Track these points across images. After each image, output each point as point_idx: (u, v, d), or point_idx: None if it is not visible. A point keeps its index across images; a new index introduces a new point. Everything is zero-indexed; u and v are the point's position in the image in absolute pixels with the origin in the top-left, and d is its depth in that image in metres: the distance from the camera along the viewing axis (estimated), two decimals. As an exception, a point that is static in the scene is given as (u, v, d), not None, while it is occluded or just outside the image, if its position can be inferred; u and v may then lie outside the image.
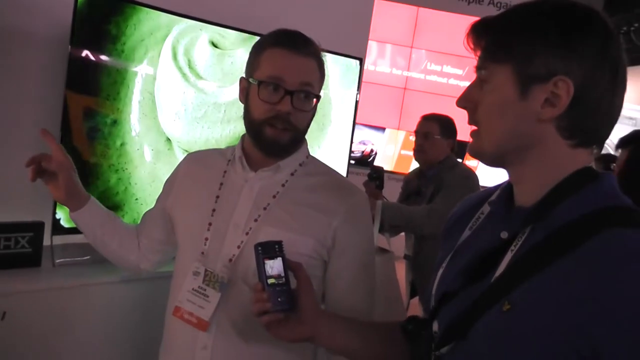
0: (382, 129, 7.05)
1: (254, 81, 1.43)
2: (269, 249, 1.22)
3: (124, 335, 2.09)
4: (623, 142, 2.48)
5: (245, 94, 1.47)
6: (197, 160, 1.62)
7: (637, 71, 9.34)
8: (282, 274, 1.20)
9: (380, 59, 6.99)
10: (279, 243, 1.23)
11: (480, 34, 0.99)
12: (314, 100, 1.45)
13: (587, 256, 0.85)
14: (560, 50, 0.91)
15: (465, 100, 1.01)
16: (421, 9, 6.89)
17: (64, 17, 2.09)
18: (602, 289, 0.82)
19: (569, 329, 0.83)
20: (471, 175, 3.20)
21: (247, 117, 1.47)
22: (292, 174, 1.49)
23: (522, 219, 0.97)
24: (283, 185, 1.48)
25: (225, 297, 1.41)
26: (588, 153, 0.98)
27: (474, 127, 1.01)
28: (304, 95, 1.42)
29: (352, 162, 6.50)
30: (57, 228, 2.12)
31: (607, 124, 0.97)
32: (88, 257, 2.24)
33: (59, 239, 2.16)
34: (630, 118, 6.74)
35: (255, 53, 1.46)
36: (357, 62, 2.96)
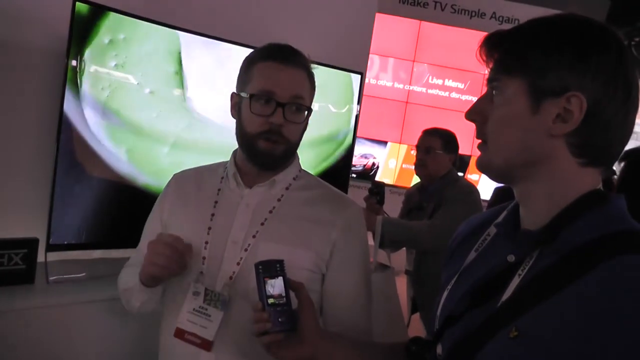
0: (384, 143, 7.03)
1: (245, 95, 1.43)
2: (269, 268, 1.20)
3: (120, 353, 2.05)
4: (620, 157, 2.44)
5: (237, 109, 1.48)
6: (186, 180, 1.59)
7: None
8: (283, 294, 1.18)
9: (382, 73, 6.98)
10: (280, 262, 1.21)
11: (493, 46, 0.96)
12: (305, 112, 1.46)
13: (599, 283, 0.82)
14: (575, 66, 0.89)
15: (475, 113, 0.98)
16: (423, 22, 6.90)
17: (60, 29, 2.06)
18: (616, 318, 0.79)
19: (579, 359, 0.80)
20: (473, 190, 3.18)
21: (240, 132, 1.47)
22: (287, 188, 1.50)
23: (529, 242, 0.94)
24: (279, 199, 1.47)
25: (227, 315, 1.40)
26: (597, 173, 0.95)
27: (481, 140, 0.98)
28: (295, 108, 1.43)
29: (354, 175, 6.55)
30: (51, 244, 2.08)
31: (618, 142, 0.94)
32: (83, 274, 2.21)
33: (54, 255, 2.13)
34: (634, 132, 6.72)
35: (246, 67, 1.47)
36: (357, 76, 2.94)
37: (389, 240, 3.02)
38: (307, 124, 1.50)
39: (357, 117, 2.98)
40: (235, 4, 2.76)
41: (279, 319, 1.16)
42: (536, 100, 0.91)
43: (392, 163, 7.09)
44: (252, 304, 1.21)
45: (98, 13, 2.09)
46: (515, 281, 0.92)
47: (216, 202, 1.48)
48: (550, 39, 0.91)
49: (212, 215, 1.47)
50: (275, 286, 1.18)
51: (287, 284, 1.19)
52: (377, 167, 7.07)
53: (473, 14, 6.87)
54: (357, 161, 6.82)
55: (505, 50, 0.95)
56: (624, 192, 1.44)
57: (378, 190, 3.12)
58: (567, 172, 0.93)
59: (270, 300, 1.17)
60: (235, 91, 1.49)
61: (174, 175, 1.63)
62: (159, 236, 1.39)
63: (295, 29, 2.80)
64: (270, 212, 1.45)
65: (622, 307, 0.79)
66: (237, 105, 1.48)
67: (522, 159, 0.94)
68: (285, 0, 2.92)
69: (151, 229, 1.57)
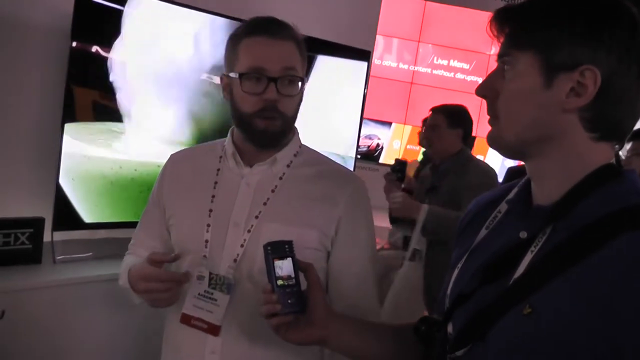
0: (389, 124, 7.00)
1: (235, 75, 1.38)
2: (278, 249, 1.17)
3: (126, 332, 2.06)
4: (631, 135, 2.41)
5: (228, 90, 1.43)
6: (184, 160, 1.55)
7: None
8: (292, 275, 1.16)
9: (387, 54, 6.93)
10: (289, 243, 1.19)
11: (504, 20, 0.94)
12: (299, 84, 1.41)
13: (612, 258, 0.81)
14: (588, 39, 0.87)
15: (486, 89, 0.96)
16: (428, 3, 6.83)
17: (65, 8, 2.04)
18: (628, 293, 0.78)
19: (592, 334, 0.79)
20: (490, 170, 3.10)
21: (236, 113, 1.42)
22: (288, 166, 1.45)
23: (542, 218, 0.92)
24: (281, 178, 1.43)
25: (233, 299, 1.37)
26: (610, 148, 0.93)
27: (492, 116, 0.96)
28: (288, 81, 1.37)
29: (358, 156, 6.47)
30: (58, 224, 2.08)
31: (631, 117, 0.92)
32: (90, 253, 2.22)
33: (60, 235, 2.13)
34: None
35: (232, 46, 1.41)
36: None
37: (432, 230, 2.96)
38: (302, 95, 1.45)
39: (364, 99, 2.96)
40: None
41: (289, 301, 1.13)
42: (549, 74, 0.89)
43: (396, 144, 7.07)
44: (258, 286, 1.19)
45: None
46: (528, 257, 0.90)
47: (216, 182, 1.44)
48: (563, 13, 0.89)
49: (213, 197, 1.42)
50: (284, 267, 1.16)
51: (296, 265, 1.17)
52: (382, 148, 7.05)
53: (479, -7, 6.81)
54: (362, 142, 6.78)
55: (517, 25, 0.92)
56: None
57: (400, 168, 3.11)
58: (580, 146, 0.91)
59: (280, 282, 1.14)
60: (224, 73, 1.44)
61: (171, 156, 1.58)
62: (148, 269, 1.33)
63: (301, 8, 2.77)
64: (273, 191, 1.41)
65: (633, 283, 0.77)
66: (228, 87, 1.43)
67: (534, 134, 0.92)
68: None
69: (149, 216, 1.55)
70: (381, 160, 6.98)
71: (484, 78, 0.97)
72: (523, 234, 0.94)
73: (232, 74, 1.39)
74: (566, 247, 0.86)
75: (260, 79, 1.34)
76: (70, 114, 2.09)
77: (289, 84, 1.37)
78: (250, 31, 1.38)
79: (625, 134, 0.94)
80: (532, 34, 0.90)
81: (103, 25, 2.13)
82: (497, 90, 0.94)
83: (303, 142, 1.51)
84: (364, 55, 2.96)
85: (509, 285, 0.90)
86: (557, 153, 0.92)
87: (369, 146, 6.98)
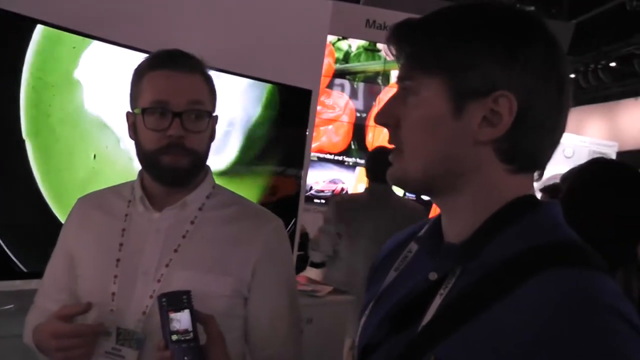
0: (352, 167, 6.95)
1: (138, 111, 1.30)
2: (174, 300, 1.10)
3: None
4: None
5: (133, 129, 1.34)
6: (91, 205, 1.45)
7: (606, 108, 9.50)
8: (190, 329, 1.08)
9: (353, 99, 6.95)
10: (187, 293, 1.11)
11: (403, 38, 0.83)
12: (208, 119, 1.33)
13: (524, 302, 0.71)
14: (501, 61, 0.77)
15: (386, 116, 0.85)
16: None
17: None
18: (543, 342, 0.68)
19: None
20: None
21: (140, 151, 1.33)
22: (200, 209, 1.37)
23: (452, 257, 0.82)
24: (192, 222, 1.35)
25: (143, 355, 1.27)
26: (528, 179, 0.84)
27: (395, 148, 0.86)
28: (195, 115, 1.30)
29: (323, 201, 6.43)
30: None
31: (551, 144, 0.83)
32: (11, 305, 2.07)
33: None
34: (600, 153, 6.75)
35: (135, 81, 1.33)
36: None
37: None
38: (214, 131, 1.38)
39: (305, 138, 2.89)
40: (172, 18, 2.65)
41: (185, 357, 1.05)
42: (458, 101, 0.79)
43: (361, 187, 7.01)
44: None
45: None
46: (437, 301, 0.80)
47: (124, 230, 1.35)
48: (471, 30, 0.79)
49: (120, 245, 1.33)
50: (182, 320, 1.08)
51: (195, 317, 1.09)
52: (346, 193, 6.98)
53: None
54: (326, 186, 6.73)
55: (418, 44, 0.82)
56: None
57: None
58: (495, 180, 0.81)
59: (175, 337, 1.06)
60: (129, 110, 1.36)
61: (78, 199, 1.48)
62: (59, 325, 1.22)
63: (246, 44, 2.71)
64: (184, 236, 1.33)
65: (548, 331, 0.68)
66: (133, 125, 1.34)
67: (443, 168, 0.81)
68: (232, 19, 2.81)
69: (55, 265, 1.43)
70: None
71: (383, 103, 0.86)
72: (433, 276, 0.83)
73: (135, 111, 1.30)
74: (473, 292, 0.76)
75: (164, 113, 1.26)
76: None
77: (195, 119, 1.29)
78: (152, 64, 1.31)
79: (545, 163, 0.84)
80: (437, 55, 0.80)
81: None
82: (399, 118, 0.83)
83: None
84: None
85: (416, 334, 0.80)
86: (468, 187, 0.82)
87: (333, 191, 6.92)
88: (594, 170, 1.60)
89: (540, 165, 0.84)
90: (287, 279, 1.41)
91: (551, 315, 0.68)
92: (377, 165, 3.19)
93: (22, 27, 2.00)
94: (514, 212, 0.80)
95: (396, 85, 0.86)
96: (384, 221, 3.18)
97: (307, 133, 2.87)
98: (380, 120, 0.86)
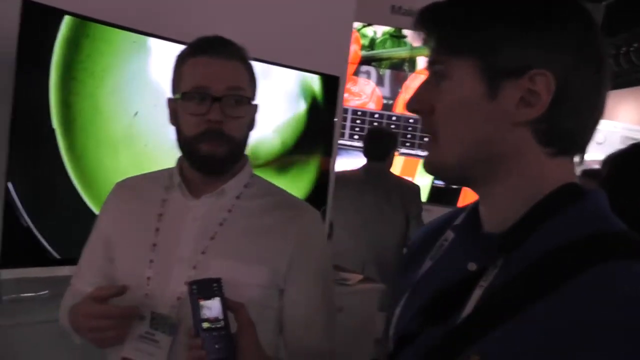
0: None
1: (178, 96, 1.31)
2: (205, 288, 1.11)
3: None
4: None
5: (173, 116, 1.36)
6: (128, 190, 1.46)
7: (638, 91, 9.28)
8: (220, 317, 1.08)
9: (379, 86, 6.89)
10: (217, 281, 1.11)
11: (432, 21, 0.82)
12: (247, 105, 1.33)
13: (579, 298, 0.68)
14: (536, 39, 0.75)
15: (418, 102, 0.83)
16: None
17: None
18: (600, 340, 0.65)
19: None
20: None
21: (180, 138, 1.35)
22: (237, 198, 1.37)
23: (492, 247, 0.79)
24: (229, 210, 1.35)
25: (176, 340, 1.27)
26: (569, 163, 0.82)
27: (429, 136, 0.84)
28: (235, 101, 1.30)
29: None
30: (6, 261, 1.95)
31: (592, 124, 0.80)
32: (46, 291, 2.10)
33: (11, 273, 2.01)
34: (633, 139, 6.61)
35: (176, 68, 1.35)
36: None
37: None
38: (253, 119, 1.38)
39: (333, 125, 2.87)
40: (205, 9, 2.65)
41: (215, 346, 1.05)
42: (493, 82, 0.77)
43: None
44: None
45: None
46: (477, 293, 0.78)
47: (160, 214, 1.36)
48: (503, 8, 0.77)
49: (157, 230, 1.34)
50: (212, 308, 1.09)
51: (226, 305, 1.09)
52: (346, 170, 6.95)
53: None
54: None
55: (449, 25, 0.80)
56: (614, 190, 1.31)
57: None
58: (535, 164, 0.79)
59: (205, 325, 1.07)
60: (170, 97, 1.37)
61: (116, 184, 1.49)
62: (93, 306, 1.23)
63: (270, 31, 2.69)
64: (221, 224, 1.33)
65: (608, 326, 0.65)
66: (173, 111, 1.36)
67: (481, 154, 0.79)
68: (258, 6, 2.80)
69: (91, 248, 1.46)
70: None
71: (415, 90, 0.84)
72: (472, 266, 0.81)
73: (176, 96, 1.32)
74: (518, 284, 0.73)
75: (204, 98, 1.26)
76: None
77: (235, 105, 1.29)
78: (194, 50, 1.32)
79: (586, 145, 0.82)
80: (468, 35, 0.78)
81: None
82: (432, 104, 0.81)
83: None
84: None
85: (455, 327, 0.78)
86: (508, 174, 0.79)
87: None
88: (634, 154, 1.56)
89: (581, 147, 0.82)
90: (323, 270, 1.40)
91: (607, 313, 0.66)
92: (374, 144, 3.37)
93: (50, 19, 2.01)
94: (559, 201, 0.77)
95: (426, 71, 0.84)
96: (377, 198, 3.24)
97: (335, 120, 2.85)
98: (412, 107, 0.84)
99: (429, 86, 0.82)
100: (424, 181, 6.82)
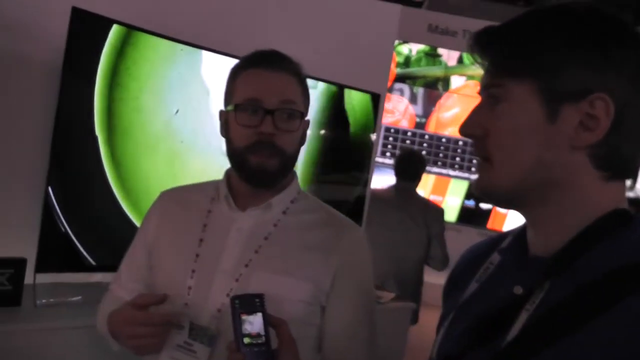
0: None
1: (230, 108, 1.31)
2: (248, 303, 1.10)
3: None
4: None
5: (225, 127, 1.36)
6: (174, 199, 1.46)
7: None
8: (262, 332, 1.08)
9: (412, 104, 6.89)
10: (260, 296, 1.11)
11: (489, 43, 0.81)
12: (300, 120, 1.32)
13: (622, 321, 0.68)
14: (595, 63, 0.75)
15: (473, 127, 0.82)
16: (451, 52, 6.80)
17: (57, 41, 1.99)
18: None
19: None
20: None
21: (229, 150, 1.34)
22: (284, 212, 1.36)
23: (539, 271, 0.78)
24: (275, 225, 1.34)
25: (214, 352, 1.26)
26: (621, 187, 0.80)
27: (482, 159, 0.83)
28: (287, 114, 1.29)
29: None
30: (42, 265, 1.97)
31: None
32: (79, 297, 2.12)
33: (48, 277, 2.03)
34: None
35: (230, 80, 1.35)
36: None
37: None
38: (305, 134, 1.37)
39: (373, 142, 2.87)
40: (252, 24, 2.69)
41: None
42: (552, 106, 0.76)
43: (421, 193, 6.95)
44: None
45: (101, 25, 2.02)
46: (524, 317, 0.77)
47: (205, 225, 1.35)
48: (562, 32, 0.77)
49: (201, 240, 1.33)
50: (254, 323, 1.08)
51: (267, 321, 1.08)
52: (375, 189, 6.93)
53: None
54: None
55: (505, 49, 0.80)
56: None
57: None
58: (588, 188, 0.78)
59: (247, 340, 1.06)
60: (222, 109, 1.38)
61: (161, 193, 1.50)
62: (134, 313, 1.24)
63: (313, 49, 2.71)
64: (266, 238, 1.32)
65: None
66: (225, 123, 1.36)
67: (537, 178, 0.78)
68: (302, 22, 2.83)
69: (133, 256, 1.45)
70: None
71: (469, 114, 0.83)
72: (518, 289, 0.80)
73: (228, 107, 1.32)
74: (565, 308, 0.73)
75: (256, 111, 1.26)
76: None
77: (287, 118, 1.28)
78: (248, 63, 1.32)
79: (638, 169, 0.81)
80: (528, 58, 0.77)
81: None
82: (487, 127, 0.81)
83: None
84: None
85: (500, 350, 0.77)
86: (560, 198, 0.78)
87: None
88: None
89: (634, 171, 0.81)
90: (366, 290, 1.39)
91: None
92: (406, 165, 3.53)
93: (99, 28, 2.05)
94: (608, 227, 0.77)
95: (479, 95, 0.84)
96: (404, 216, 3.41)
97: (373, 137, 2.85)
98: (466, 131, 0.83)
99: (483, 110, 0.82)
100: (455, 201, 6.80)
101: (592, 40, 0.75)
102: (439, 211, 3.67)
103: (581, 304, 0.72)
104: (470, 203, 6.89)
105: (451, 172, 6.84)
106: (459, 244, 4.09)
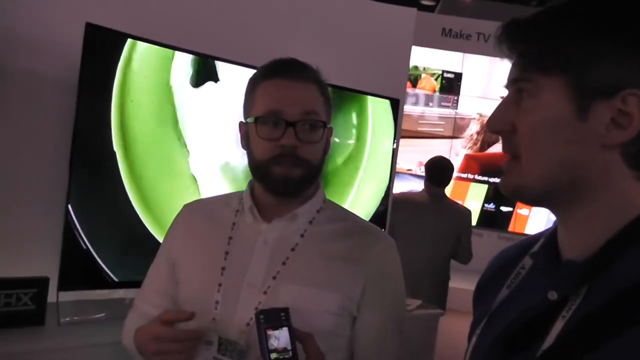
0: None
1: (251, 120, 1.28)
2: (272, 318, 1.08)
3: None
4: None
5: (245, 139, 1.33)
6: (198, 212, 1.43)
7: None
8: (289, 347, 1.05)
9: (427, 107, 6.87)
10: (285, 310, 1.09)
11: (517, 36, 0.78)
12: (323, 130, 1.29)
13: None
14: (628, 57, 0.71)
15: (500, 122, 0.79)
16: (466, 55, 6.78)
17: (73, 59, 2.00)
18: None
19: None
20: None
21: (252, 162, 1.31)
22: (310, 222, 1.32)
23: (574, 275, 0.75)
24: (302, 235, 1.31)
25: None
26: None
27: (510, 156, 0.80)
28: (309, 125, 1.26)
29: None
30: (65, 283, 1.97)
31: None
32: (103, 314, 2.11)
33: (71, 295, 2.04)
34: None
35: (249, 91, 1.31)
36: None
37: None
38: (328, 143, 1.34)
39: (394, 150, 2.86)
40: (269, 33, 2.68)
41: None
42: (583, 102, 0.72)
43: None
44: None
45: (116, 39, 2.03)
46: (559, 325, 0.73)
47: (230, 238, 1.32)
48: (593, 25, 0.73)
49: (226, 253, 1.31)
50: (280, 338, 1.06)
51: (294, 335, 1.06)
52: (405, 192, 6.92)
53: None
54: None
55: (534, 42, 0.76)
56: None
57: None
58: (621, 188, 0.74)
59: (274, 355, 1.04)
60: (242, 120, 1.35)
61: (184, 206, 1.47)
62: (160, 329, 1.22)
63: (330, 56, 2.71)
64: (293, 249, 1.29)
65: None
66: (245, 135, 1.33)
67: (567, 177, 0.75)
68: (320, 29, 2.82)
69: (157, 270, 1.43)
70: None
71: (495, 109, 0.80)
72: (552, 295, 0.76)
73: (248, 120, 1.29)
74: (604, 314, 0.69)
75: (277, 123, 1.23)
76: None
77: (309, 129, 1.26)
78: (267, 73, 1.29)
79: None
80: (557, 53, 0.74)
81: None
82: (514, 123, 0.78)
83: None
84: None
85: (536, 358, 0.74)
86: (592, 197, 0.75)
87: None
88: None
89: None
90: (397, 299, 1.36)
91: None
92: (439, 171, 3.83)
93: (113, 43, 2.05)
94: None
95: (506, 88, 0.81)
96: (435, 219, 3.69)
97: (395, 144, 2.83)
98: (493, 127, 0.81)
99: (510, 105, 0.79)
100: (475, 205, 6.73)
101: (624, 34, 0.72)
102: (467, 214, 4.00)
103: (625, 308, 0.68)
104: (491, 206, 6.83)
105: (470, 176, 6.80)
106: (480, 248, 4.19)
